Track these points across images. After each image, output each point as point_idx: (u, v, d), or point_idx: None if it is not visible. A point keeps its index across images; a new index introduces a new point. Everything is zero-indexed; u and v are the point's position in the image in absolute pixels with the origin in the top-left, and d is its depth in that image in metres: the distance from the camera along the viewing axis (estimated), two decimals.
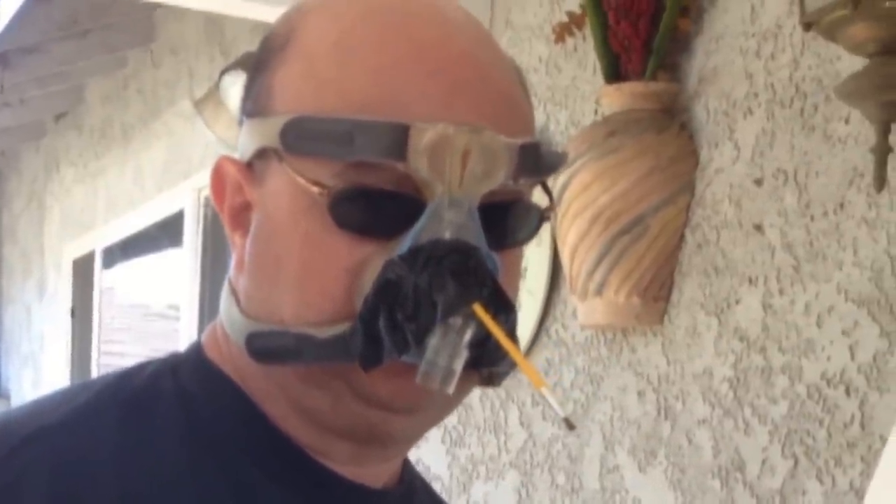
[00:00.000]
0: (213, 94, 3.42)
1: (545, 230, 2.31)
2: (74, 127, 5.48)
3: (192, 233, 4.23)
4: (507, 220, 0.79)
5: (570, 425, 0.73)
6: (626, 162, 2.05)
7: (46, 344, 5.82)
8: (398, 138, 0.74)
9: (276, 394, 0.80)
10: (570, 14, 2.30)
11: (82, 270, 5.38)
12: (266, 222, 0.79)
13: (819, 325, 1.82)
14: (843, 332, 1.78)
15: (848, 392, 1.76)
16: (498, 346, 0.74)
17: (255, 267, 0.80)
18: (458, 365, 0.73)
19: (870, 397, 1.73)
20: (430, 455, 2.67)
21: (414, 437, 0.83)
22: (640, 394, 2.15)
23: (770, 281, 1.91)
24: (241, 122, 0.83)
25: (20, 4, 3.46)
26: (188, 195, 4.23)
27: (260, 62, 0.82)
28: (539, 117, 2.44)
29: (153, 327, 5.19)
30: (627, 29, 2.09)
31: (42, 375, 5.85)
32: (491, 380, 0.80)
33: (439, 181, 0.74)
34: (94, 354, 5.28)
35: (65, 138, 5.61)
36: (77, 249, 5.41)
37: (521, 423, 2.45)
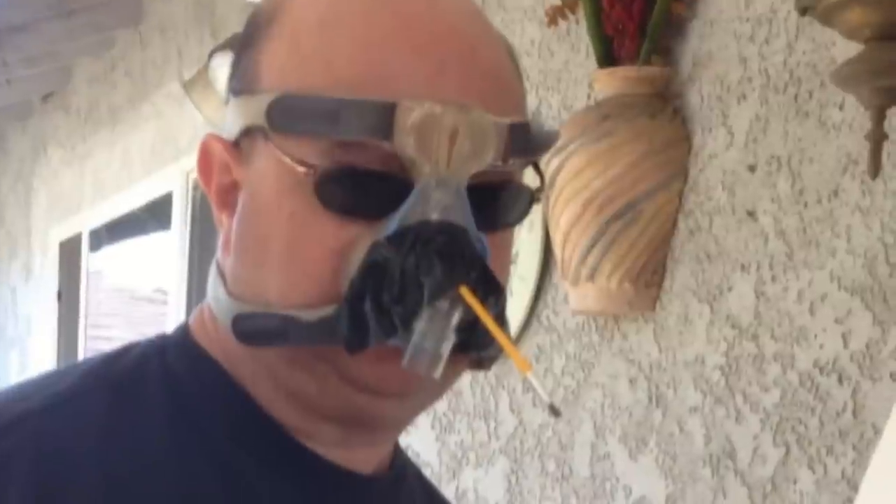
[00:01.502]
0: (203, 76, 3.39)
1: (537, 214, 2.31)
2: (62, 108, 5.45)
3: (181, 216, 4.21)
4: (496, 202, 0.77)
5: (555, 412, 0.71)
6: (619, 146, 2.03)
7: (33, 327, 5.79)
8: (384, 117, 0.72)
9: (262, 376, 0.79)
10: None
11: (69, 253, 5.35)
12: (252, 202, 0.78)
13: (812, 312, 1.80)
14: (836, 320, 1.76)
15: (840, 380, 1.75)
16: (487, 330, 0.73)
17: (241, 247, 0.79)
18: (446, 349, 0.72)
19: (862, 386, 1.71)
20: (419, 441, 2.66)
21: (402, 421, 0.82)
22: (632, 381, 2.14)
23: (763, 268, 1.89)
24: (227, 101, 0.82)
25: None
26: (177, 178, 4.20)
27: (246, 39, 0.81)
28: (531, 101, 2.42)
29: (141, 310, 5.18)
30: (621, 12, 2.07)
31: (28, 359, 5.83)
32: (480, 364, 0.78)
33: (426, 161, 0.73)
34: (80, 338, 5.26)
35: (52, 119, 5.58)
36: (64, 232, 5.38)
37: (512, 410, 2.44)
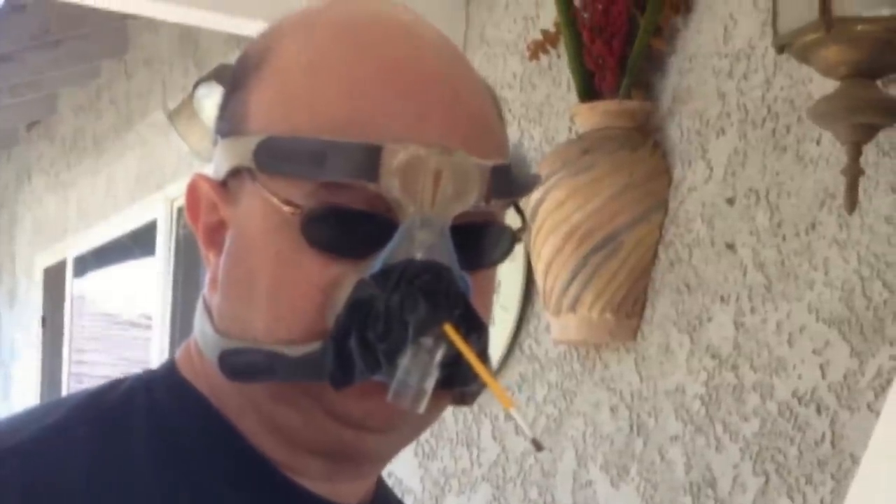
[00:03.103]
0: (187, 106, 3.41)
1: (519, 245, 2.32)
2: (47, 136, 5.45)
3: (165, 243, 4.22)
4: (479, 241, 0.79)
5: (538, 446, 0.73)
6: (600, 179, 2.05)
7: (17, 352, 5.78)
8: (370, 159, 0.74)
9: (248, 410, 0.80)
10: (545, 32, 2.31)
11: (53, 279, 5.34)
12: (239, 240, 0.79)
13: (790, 343, 1.83)
14: (814, 351, 1.79)
15: (819, 410, 1.77)
16: (470, 366, 0.74)
17: (228, 285, 0.80)
18: (429, 385, 0.73)
19: (840, 416, 1.74)
20: (402, 468, 2.67)
21: (387, 455, 0.83)
22: (613, 409, 2.16)
23: (742, 299, 1.92)
24: (215, 141, 0.83)
25: None
26: (161, 205, 4.21)
27: (235, 82, 0.82)
28: (513, 134, 2.44)
29: (124, 336, 5.17)
30: (601, 47, 2.10)
31: (12, 384, 5.81)
32: (463, 399, 0.80)
33: (411, 202, 0.74)
34: (65, 363, 5.25)
35: (37, 147, 5.59)
36: (48, 258, 5.38)
37: (494, 437, 2.45)
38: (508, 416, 2.35)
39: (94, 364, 5.23)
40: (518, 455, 2.38)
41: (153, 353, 4.28)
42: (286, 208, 0.75)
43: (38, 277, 5.49)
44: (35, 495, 0.74)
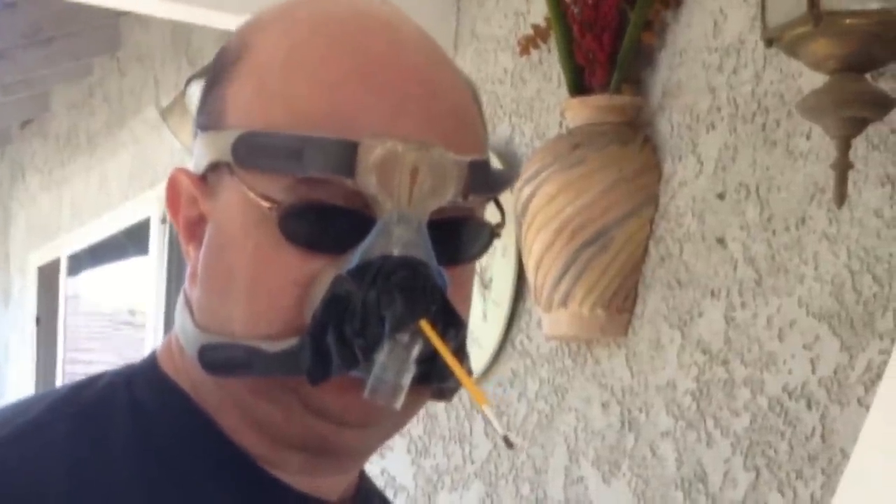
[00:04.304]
0: (179, 103, 3.41)
1: (510, 240, 2.32)
2: (40, 134, 5.45)
3: (158, 241, 4.22)
4: (457, 237, 0.79)
5: (508, 444, 0.73)
6: (591, 174, 2.05)
7: (11, 352, 5.78)
8: (347, 155, 0.74)
9: (228, 406, 0.80)
10: (535, 27, 2.30)
11: (47, 278, 5.34)
12: (218, 235, 0.79)
13: (781, 338, 1.83)
14: (805, 346, 1.79)
15: (809, 405, 1.77)
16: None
17: (207, 279, 0.80)
18: (406, 380, 0.73)
19: (831, 410, 1.74)
20: (395, 465, 2.66)
21: (367, 450, 0.83)
22: (605, 405, 2.16)
23: (732, 294, 1.91)
24: (195, 135, 0.83)
25: None
26: (154, 203, 4.21)
27: (214, 76, 0.82)
28: (504, 129, 2.44)
29: (119, 334, 5.16)
30: (592, 42, 2.09)
31: (7, 384, 5.81)
32: (441, 395, 0.80)
33: (388, 197, 0.74)
34: (59, 362, 5.25)
35: (30, 145, 5.58)
36: (42, 257, 5.38)
37: (486, 434, 2.45)
38: (501, 412, 2.35)
39: (89, 363, 5.22)
40: (510, 451, 2.37)
41: (147, 350, 4.26)
42: (264, 203, 0.75)
43: (33, 276, 5.49)
44: (13, 491, 0.73)
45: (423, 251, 0.74)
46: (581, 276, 2.08)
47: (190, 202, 0.82)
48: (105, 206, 4.64)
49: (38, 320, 5.46)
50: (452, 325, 0.75)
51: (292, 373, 0.75)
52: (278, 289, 0.75)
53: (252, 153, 0.76)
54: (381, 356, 0.73)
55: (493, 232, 0.81)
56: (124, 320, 5.10)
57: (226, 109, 0.79)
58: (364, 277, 0.73)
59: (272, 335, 0.75)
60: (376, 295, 0.73)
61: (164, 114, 3.52)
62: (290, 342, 0.75)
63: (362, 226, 0.75)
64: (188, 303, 0.82)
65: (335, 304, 0.73)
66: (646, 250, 2.08)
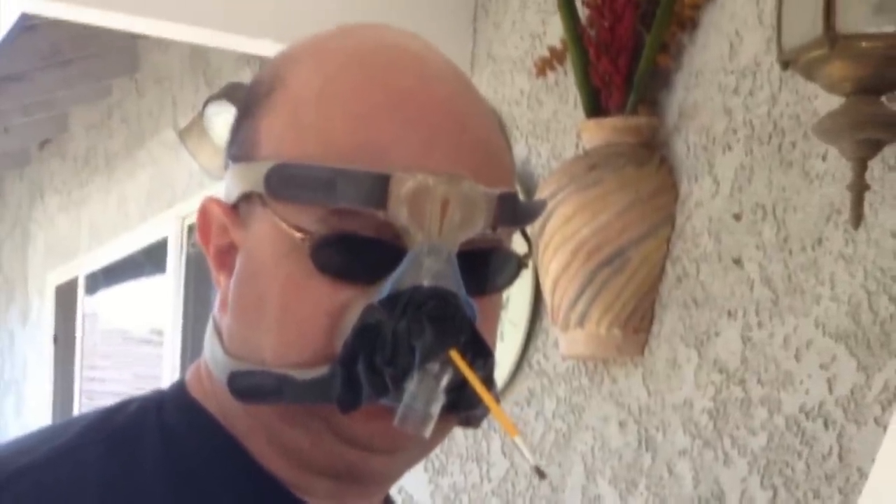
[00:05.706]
0: (198, 124, 3.43)
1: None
2: (58, 155, 5.48)
3: (176, 260, 4.24)
4: (485, 268, 0.80)
5: (541, 475, 0.74)
6: (607, 195, 2.07)
7: (29, 370, 5.80)
8: (379, 187, 0.75)
9: (256, 431, 0.81)
10: (552, 49, 2.32)
11: (65, 297, 5.37)
12: (249, 264, 0.81)
13: (797, 358, 1.84)
14: (821, 366, 1.79)
15: (826, 425, 1.78)
16: (475, 391, 0.76)
17: (238, 308, 0.81)
18: (435, 409, 0.75)
19: (847, 430, 1.74)
20: (412, 484, 2.68)
21: (393, 476, 0.84)
22: (621, 424, 2.17)
23: (749, 314, 1.92)
24: (227, 166, 0.85)
25: (4, 34, 3.47)
26: (172, 223, 4.23)
27: (246, 108, 0.84)
28: (521, 150, 2.46)
29: (136, 353, 5.18)
30: (608, 64, 2.11)
31: (25, 402, 5.84)
32: (469, 422, 0.81)
33: (419, 229, 0.76)
34: (76, 380, 5.27)
35: (49, 166, 5.62)
36: (60, 276, 5.40)
37: (504, 453, 2.46)
38: (518, 430, 2.35)
39: (106, 381, 5.24)
40: (527, 470, 2.38)
41: (165, 369, 4.29)
42: (296, 234, 0.77)
43: (50, 296, 5.51)
44: None
45: (453, 282, 0.76)
46: (598, 296, 2.09)
47: (221, 231, 0.83)
48: (123, 226, 4.67)
49: (55, 339, 5.48)
50: (481, 355, 0.76)
51: (323, 400, 0.76)
52: (309, 318, 0.77)
53: (285, 184, 0.77)
54: (412, 385, 0.74)
55: (521, 262, 0.82)
56: (142, 339, 5.12)
57: (259, 141, 0.81)
58: (395, 307, 0.75)
59: (302, 363, 0.77)
60: (407, 325, 0.74)
61: (182, 135, 3.55)
62: (321, 370, 0.76)
63: (393, 257, 0.76)
64: (218, 329, 0.83)
65: (366, 334, 0.75)
66: (662, 270, 2.09)
